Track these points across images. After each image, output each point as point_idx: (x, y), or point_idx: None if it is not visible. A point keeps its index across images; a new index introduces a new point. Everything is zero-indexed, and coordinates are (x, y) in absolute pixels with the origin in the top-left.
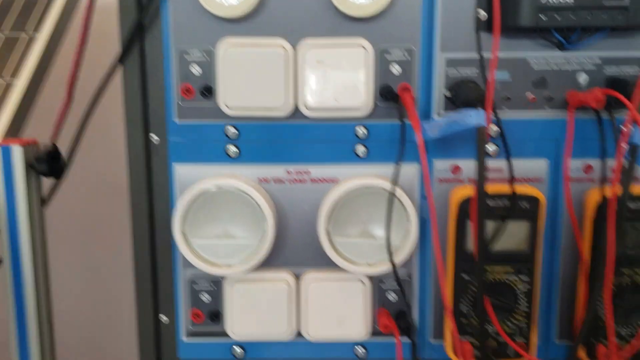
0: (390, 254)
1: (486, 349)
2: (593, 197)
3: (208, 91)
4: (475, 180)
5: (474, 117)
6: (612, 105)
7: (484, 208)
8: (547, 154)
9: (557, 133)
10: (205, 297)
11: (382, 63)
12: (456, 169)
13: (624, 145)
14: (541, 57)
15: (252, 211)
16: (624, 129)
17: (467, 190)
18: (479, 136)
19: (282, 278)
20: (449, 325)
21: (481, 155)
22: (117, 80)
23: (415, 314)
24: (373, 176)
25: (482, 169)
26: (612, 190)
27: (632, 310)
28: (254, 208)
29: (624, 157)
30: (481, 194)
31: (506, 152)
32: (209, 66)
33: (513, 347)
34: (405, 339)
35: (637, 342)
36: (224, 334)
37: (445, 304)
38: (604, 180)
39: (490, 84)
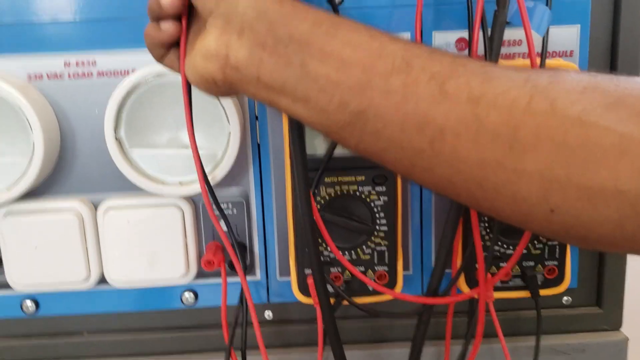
0: (200, 165)
1: (336, 283)
2: None
3: None
4: None
5: None
6: None
7: None
8: (407, 25)
9: None
10: None
11: None
12: None
13: None
14: None
15: (18, 119)
16: None
17: None
18: None
19: (70, 208)
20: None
21: None
22: None
23: (256, 247)
24: None
25: None
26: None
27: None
28: (20, 114)
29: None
30: None
31: None
32: None
33: (358, 276)
34: (253, 277)
35: (509, 265)
36: (7, 285)
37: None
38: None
39: None
